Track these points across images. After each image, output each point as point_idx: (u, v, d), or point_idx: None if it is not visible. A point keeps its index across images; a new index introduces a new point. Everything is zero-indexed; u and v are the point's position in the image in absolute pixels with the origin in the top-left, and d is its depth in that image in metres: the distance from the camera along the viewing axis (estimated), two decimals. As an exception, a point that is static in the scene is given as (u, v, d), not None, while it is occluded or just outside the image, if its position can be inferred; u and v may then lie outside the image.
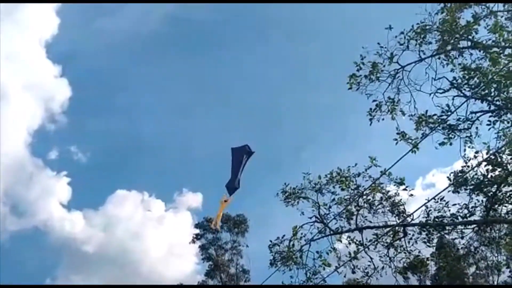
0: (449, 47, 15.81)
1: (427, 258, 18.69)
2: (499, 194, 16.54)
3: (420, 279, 49.41)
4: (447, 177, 16.95)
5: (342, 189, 16.51)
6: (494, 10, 16.04)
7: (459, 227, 16.86)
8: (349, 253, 16.85)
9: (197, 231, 55.77)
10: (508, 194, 16.62)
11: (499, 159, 16.17)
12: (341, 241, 17.27)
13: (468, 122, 15.69)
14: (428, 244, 17.20)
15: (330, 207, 16.85)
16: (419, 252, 17.34)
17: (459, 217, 16.62)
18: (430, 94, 15.49)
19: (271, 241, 17.08)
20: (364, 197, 16.50)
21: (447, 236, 17.25)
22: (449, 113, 15.54)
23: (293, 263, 16.44)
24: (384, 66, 16.07)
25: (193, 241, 56.19)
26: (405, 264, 19.30)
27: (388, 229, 16.98)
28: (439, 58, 15.87)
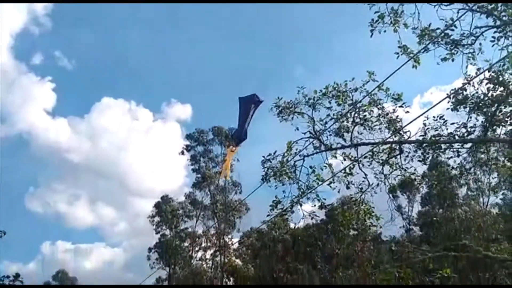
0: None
1: (422, 176, 18.90)
2: (499, 114, 16.53)
3: (409, 198, 50.68)
4: (447, 94, 16.83)
5: (338, 104, 16.40)
6: None
7: (456, 146, 16.92)
8: (344, 169, 16.94)
9: (187, 142, 56.09)
10: (508, 114, 16.61)
11: (501, 78, 16.03)
12: (336, 157, 17.39)
13: (472, 37, 15.47)
14: (423, 162, 17.38)
15: (326, 122, 16.80)
16: (415, 169, 17.53)
17: (456, 136, 16.69)
18: (434, 6, 15.05)
19: (263, 156, 17.12)
20: (361, 112, 16.39)
21: (442, 155, 17.23)
22: (453, 27, 15.22)
23: (286, 178, 16.53)
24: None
25: (183, 153, 56.30)
26: (399, 181, 19.70)
27: (384, 146, 17.00)
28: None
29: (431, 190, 44.44)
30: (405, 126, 16.76)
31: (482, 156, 20.10)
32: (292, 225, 40.16)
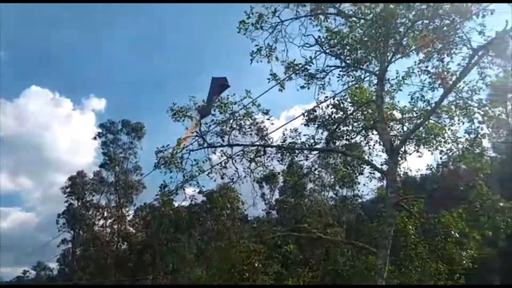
0: (319, 12, 15.93)
1: (278, 173, 19.52)
2: (338, 131, 17.51)
3: (271, 188, 52.26)
4: (302, 113, 17.51)
5: (221, 113, 16.50)
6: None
7: (305, 152, 17.67)
8: (220, 163, 17.12)
9: (100, 130, 54.64)
10: (344, 132, 17.65)
11: (342, 105, 17.00)
12: (215, 154, 17.45)
13: (324, 73, 16.18)
14: (281, 162, 17.97)
15: (209, 126, 16.82)
16: (273, 167, 18.07)
17: (306, 145, 17.44)
18: (299, 47, 15.62)
19: (157, 147, 16.90)
20: (237, 120, 16.62)
21: (296, 158, 17.96)
22: (310, 63, 15.91)
23: (174, 167, 16.38)
24: (268, 18, 15.89)
25: (95, 138, 54.68)
26: (261, 176, 20.21)
27: (252, 147, 17.33)
28: (310, 19, 15.95)
29: (287, 183, 46.20)
30: (270, 133, 17.23)
31: (327, 160, 21.23)
32: (176, 204, 40.03)
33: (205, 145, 16.84)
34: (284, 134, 17.28)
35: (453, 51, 14.03)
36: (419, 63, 14.83)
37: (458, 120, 16.08)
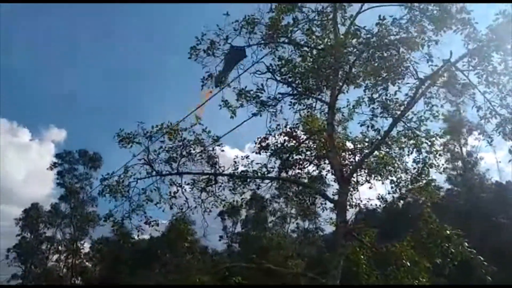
0: (271, 40, 15.98)
1: (240, 205, 18.99)
2: (290, 160, 17.32)
3: (233, 221, 51.57)
4: (254, 141, 17.27)
5: (170, 139, 16.06)
6: (311, 18, 16.57)
7: (258, 181, 17.34)
8: (170, 193, 16.58)
9: (56, 160, 53.11)
10: (296, 161, 17.48)
11: (294, 133, 16.88)
12: (164, 182, 16.88)
13: (276, 100, 16.08)
14: (233, 192, 17.50)
15: (159, 153, 16.33)
16: (225, 197, 17.54)
17: (259, 173, 17.13)
18: (251, 74, 15.53)
19: (102, 175, 16.30)
20: (187, 148, 16.21)
21: (247, 187, 17.51)
22: (262, 91, 15.80)
23: (120, 196, 15.74)
24: (220, 45, 15.82)
25: (51, 168, 53.07)
26: (223, 208, 19.59)
27: (203, 176, 16.90)
28: (262, 47, 15.98)
29: (248, 216, 45.82)
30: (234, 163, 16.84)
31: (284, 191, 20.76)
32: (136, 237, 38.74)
33: (154, 173, 16.32)
34: (235, 162, 16.93)
35: (400, 81, 14.16)
36: (364, 90, 14.88)
37: (408, 150, 16.16)
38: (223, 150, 16.54)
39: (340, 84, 15.29)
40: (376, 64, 13.54)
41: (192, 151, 16.38)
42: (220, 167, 16.80)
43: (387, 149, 16.74)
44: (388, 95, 14.57)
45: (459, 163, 41.04)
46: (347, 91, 16.22)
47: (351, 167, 16.29)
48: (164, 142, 16.26)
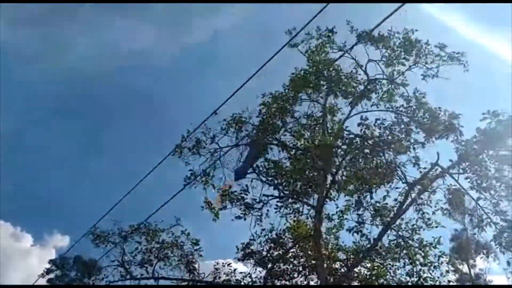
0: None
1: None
2: (277, 269, 16.07)
3: None
4: (236, 246, 16.12)
5: (147, 240, 15.14)
6: (300, 122, 16.45)
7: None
8: (146, 299, 15.24)
9: (49, 265, 50.94)
10: (284, 271, 16.19)
11: (280, 240, 15.84)
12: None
13: (261, 203, 15.35)
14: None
15: (135, 255, 15.33)
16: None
17: (242, 283, 15.81)
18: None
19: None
20: (164, 250, 15.21)
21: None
22: (247, 192, 15.16)
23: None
24: (206, 144, 15.56)
25: (43, 275, 50.76)
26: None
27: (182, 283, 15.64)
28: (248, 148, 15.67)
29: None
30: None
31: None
32: None
33: (128, 276, 15.19)
34: (216, 269, 15.70)
35: (389, 185, 13.52)
36: (352, 194, 14.14)
37: (402, 262, 14.91)
38: (201, 255, 15.43)
39: (327, 187, 14.62)
40: (361, 165, 13.02)
41: (170, 254, 15.36)
42: (199, 273, 15.61)
43: (382, 261, 15.51)
44: (376, 200, 13.80)
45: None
46: (337, 198, 15.52)
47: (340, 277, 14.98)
48: (140, 243, 15.40)
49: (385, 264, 15.37)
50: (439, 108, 14.83)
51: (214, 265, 15.64)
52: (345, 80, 16.73)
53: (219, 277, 15.84)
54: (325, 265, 15.28)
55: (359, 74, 16.65)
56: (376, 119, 13.57)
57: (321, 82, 16.76)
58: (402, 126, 14.31)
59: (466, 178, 12.47)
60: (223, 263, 15.63)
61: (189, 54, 32.84)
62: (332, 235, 16.32)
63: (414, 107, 15.21)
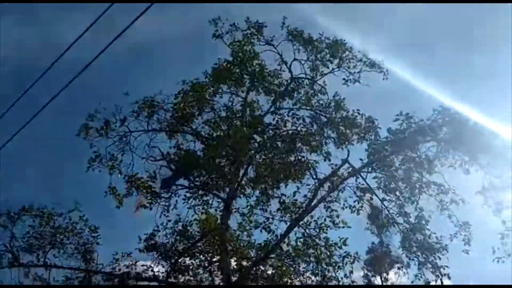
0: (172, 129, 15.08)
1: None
2: (180, 263, 15.32)
3: None
4: (139, 236, 15.13)
5: (41, 224, 13.93)
6: (215, 108, 15.89)
7: (142, 283, 15.02)
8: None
9: None
10: (189, 266, 15.45)
11: (187, 232, 15.12)
12: (28, 277, 14.30)
13: (169, 193, 14.64)
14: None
15: (26, 240, 14.04)
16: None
17: (144, 275, 14.88)
18: (142, 158, 14.26)
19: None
20: (60, 236, 14.05)
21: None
22: (154, 180, 14.40)
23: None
24: (116, 126, 14.66)
25: None
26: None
27: (79, 274, 14.49)
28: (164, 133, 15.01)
29: None
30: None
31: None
32: None
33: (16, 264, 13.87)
34: (116, 259, 14.67)
35: (299, 182, 13.29)
36: (262, 189, 13.78)
37: (310, 261, 14.61)
38: (98, 243, 14.39)
39: (239, 180, 14.18)
40: (274, 159, 12.70)
41: (66, 241, 14.22)
42: (97, 264, 14.54)
43: (290, 260, 15.10)
44: (286, 195, 13.53)
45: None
46: (251, 195, 15.08)
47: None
48: (34, 227, 14.16)
49: (292, 263, 15.04)
50: (358, 110, 14.90)
51: (114, 255, 14.54)
52: (269, 77, 16.45)
53: (119, 269, 14.83)
54: (233, 262, 14.84)
55: (284, 71, 16.43)
56: (290, 110, 13.33)
57: (244, 76, 16.37)
58: (319, 125, 14.21)
59: (374, 178, 12.42)
60: (123, 253, 14.58)
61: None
62: (246, 232, 15.79)
63: (332, 109, 15.21)
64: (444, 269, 11.33)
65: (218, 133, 15.35)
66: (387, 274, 40.68)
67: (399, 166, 12.44)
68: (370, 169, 12.45)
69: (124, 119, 14.58)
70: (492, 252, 12.39)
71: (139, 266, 14.94)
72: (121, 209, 14.51)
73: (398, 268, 37.93)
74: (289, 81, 16.00)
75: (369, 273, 40.30)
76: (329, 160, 12.70)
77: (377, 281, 40.40)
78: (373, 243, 36.97)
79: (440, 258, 11.80)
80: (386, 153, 12.37)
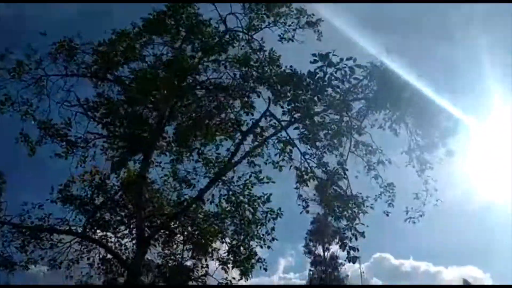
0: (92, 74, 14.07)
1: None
2: (99, 218, 14.50)
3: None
4: (52, 186, 14.07)
5: None
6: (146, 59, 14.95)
7: (55, 238, 14.13)
8: None
9: None
10: (106, 221, 14.64)
11: (104, 185, 14.27)
12: None
13: (86, 142, 13.72)
14: (21, 250, 13.98)
15: None
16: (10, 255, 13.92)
17: (57, 227, 13.97)
18: (57, 103, 13.32)
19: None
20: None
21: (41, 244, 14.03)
22: (70, 127, 13.46)
23: None
24: (31, 69, 13.51)
25: None
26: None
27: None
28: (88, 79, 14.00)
29: None
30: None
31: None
32: None
33: None
34: (27, 211, 13.64)
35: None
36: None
37: (233, 219, 14.10)
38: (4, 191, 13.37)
39: (161, 129, 13.42)
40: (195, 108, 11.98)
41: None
42: (5, 215, 13.53)
43: (219, 222, 14.49)
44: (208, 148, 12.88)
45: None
46: (174, 151, 14.35)
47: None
48: None
49: (217, 221, 14.48)
50: (291, 67, 14.26)
51: (22, 206, 13.54)
52: (204, 29, 15.57)
53: (32, 222, 13.83)
54: (150, 217, 14.17)
55: (220, 23, 15.60)
56: (219, 62, 12.58)
57: (180, 29, 15.44)
58: (247, 80, 13.50)
59: (295, 129, 11.76)
60: (33, 203, 13.60)
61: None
62: (172, 188, 15.04)
63: (265, 65, 14.52)
64: (357, 224, 10.91)
65: (142, 82, 14.43)
66: (329, 244, 41.52)
67: (322, 117, 11.84)
68: (291, 117, 11.70)
69: (40, 61, 13.45)
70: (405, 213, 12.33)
71: (52, 219, 14.02)
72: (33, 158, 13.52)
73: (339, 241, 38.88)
74: (222, 33, 15.23)
75: (310, 243, 41.13)
76: (252, 115, 12.08)
77: (319, 250, 41.21)
78: (318, 213, 37.44)
79: (359, 214, 11.35)
80: (307, 99, 11.57)
